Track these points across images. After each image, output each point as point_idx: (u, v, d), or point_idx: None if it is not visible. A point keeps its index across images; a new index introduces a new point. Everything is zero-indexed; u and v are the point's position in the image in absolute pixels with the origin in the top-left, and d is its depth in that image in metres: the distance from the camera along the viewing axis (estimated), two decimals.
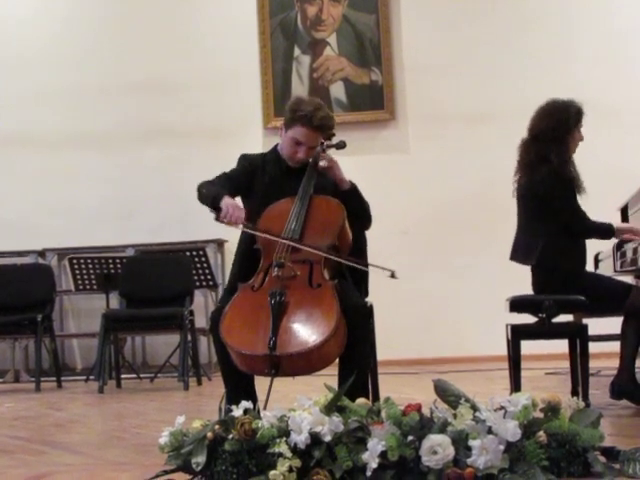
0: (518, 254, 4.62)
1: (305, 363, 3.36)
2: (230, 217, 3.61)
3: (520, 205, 4.64)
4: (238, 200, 3.86)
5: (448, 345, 7.98)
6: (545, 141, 4.47)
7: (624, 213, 5.75)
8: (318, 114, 3.84)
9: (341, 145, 4.09)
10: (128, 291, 7.33)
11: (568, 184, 4.43)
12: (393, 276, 3.64)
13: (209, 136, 8.52)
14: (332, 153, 4.08)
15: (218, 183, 3.85)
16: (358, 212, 3.94)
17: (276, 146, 4.04)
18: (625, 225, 4.77)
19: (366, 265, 3.80)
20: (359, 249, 4.01)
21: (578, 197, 4.47)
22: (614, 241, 5.16)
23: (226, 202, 3.66)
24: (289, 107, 3.94)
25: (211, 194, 3.74)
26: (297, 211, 3.79)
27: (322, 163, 3.89)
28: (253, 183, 3.96)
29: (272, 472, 2.45)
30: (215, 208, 3.68)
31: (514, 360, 4.42)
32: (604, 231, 4.53)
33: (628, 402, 4.36)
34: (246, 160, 4.04)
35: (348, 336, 3.48)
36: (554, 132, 4.45)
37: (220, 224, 3.68)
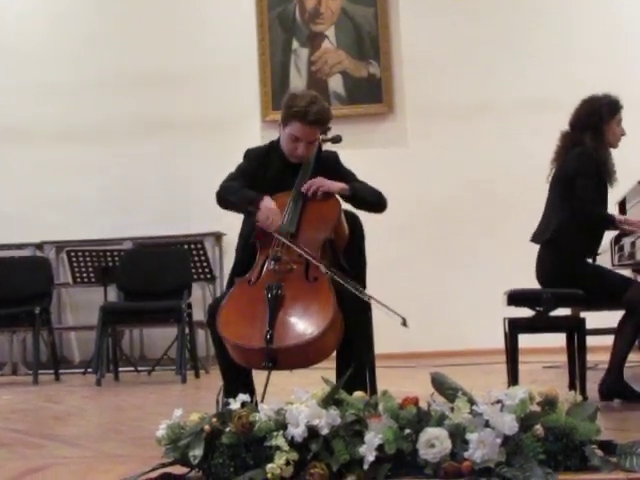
0: (537, 232, 4.61)
1: (302, 356, 3.36)
2: (269, 224, 3.66)
3: (550, 188, 4.63)
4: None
5: (446, 338, 7.99)
6: (581, 129, 4.53)
7: (622, 207, 5.76)
8: (313, 108, 3.79)
9: (337, 139, 4.07)
10: (126, 284, 7.33)
11: (595, 166, 4.43)
12: (404, 324, 3.44)
13: (207, 129, 8.52)
14: (328, 147, 4.07)
15: (242, 184, 3.84)
16: (367, 209, 3.95)
17: (279, 139, 4.03)
18: (622, 217, 4.77)
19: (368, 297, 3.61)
20: (357, 246, 4.01)
21: (609, 188, 4.47)
22: (612, 235, 5.17)
23: (266, 205, 3.70)
24: (284, 103, 3.91)
25: (248, 197, 3.76)
26: (293, 205, 3.78)
27: (305, 191, 3.84)
28: (257, 178, 3.95)
29: (269, 465, 2.45)
30: (252, 211, 3.71)
31: (512, 353, 4.42)
32: (607, 222, 4.52)
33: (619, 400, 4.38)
34: (250, 157, 4.02)
35: (345, 329, 3.48)
36: (588, 121, 4.52)
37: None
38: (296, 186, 3.83)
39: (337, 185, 3.85)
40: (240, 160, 4.03)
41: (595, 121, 4.50)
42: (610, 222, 4.52)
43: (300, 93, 3.97)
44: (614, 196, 5.82)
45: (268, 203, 3.71)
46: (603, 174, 4.45)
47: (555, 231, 4.43)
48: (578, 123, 4.56)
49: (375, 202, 3.97)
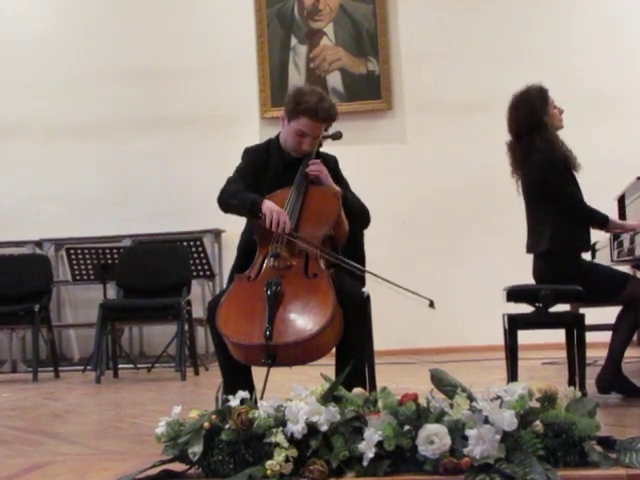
0: (530, 244, 4.60)
1: (301, 352, 3.35)
2: (277, 225, 3.58)
3: (525, 199, 4.63)
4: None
5: (445, 335, 7.99)
6: (527, 134, 4.51)
7: (621, 203, 5.75)
8: (323, 105, 3.81)
9: (337, 136, 4.07)
10: (125, 281, 7.33)
11: (562, 167, 4.42)
12: (432, 306, 3.55)
13: (206, 126, 8.52)
14: (328, 143, 4.06)
15: (242, 188, 3.77)
16: (350, 220, 3.91)
17: (278, 135, 4.01)
18: (619, 222, 4.77)
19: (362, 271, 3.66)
20: (355, 241, 4.00)
21: (576, 175, 4.46)
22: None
23: (269, 207, 3.62)
24: (292, 98, 3.89)
25: (248, 201, 3.68)
26: (293, 201, 3.78)
27: (310, 170, 3.84)
28: (259, 178, 3.92)
29: (269, 462, 2.45)
30: (255, 214, 3.64)
31: (511, 350, 4.42)
32: (599, 218, 4.50)
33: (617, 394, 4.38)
34: (250, 155, 3.99)
35: (345, 326, 3.48)
36: (529, 121, 4.50)
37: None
38: (295, 182, 3.83)
39: (333, 184, 3.85)
40: (238, 157, 4.01)
41: (536, 118, 4.48)
42: (603, 221, 4.51)
43: (308, 89, 3.94)
44: (613, 192, 5.83)
45: (271, 205, 3.64)
46: (568, 164, 4.44)
47: (550, 239, 4.42)
48: (521, 129, 4.53)
49: (361, 216, 3.95)
